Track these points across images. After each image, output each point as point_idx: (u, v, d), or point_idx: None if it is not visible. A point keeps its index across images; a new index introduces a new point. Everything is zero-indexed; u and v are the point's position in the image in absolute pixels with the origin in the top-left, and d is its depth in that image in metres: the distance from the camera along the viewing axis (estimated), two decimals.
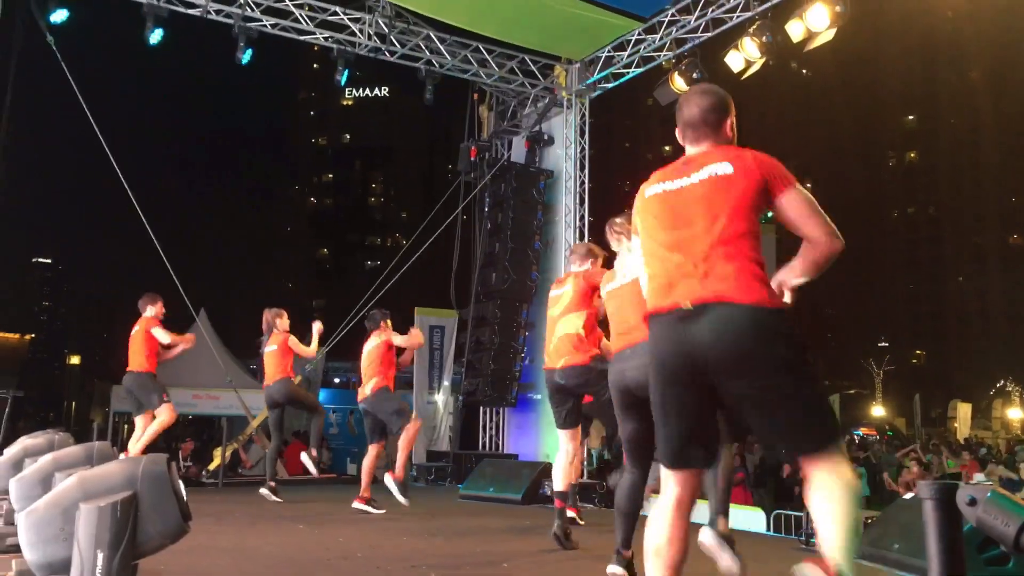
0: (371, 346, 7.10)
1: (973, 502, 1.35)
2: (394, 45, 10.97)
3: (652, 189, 2.71)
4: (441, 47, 11.26)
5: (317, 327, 7.80)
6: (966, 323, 61.42)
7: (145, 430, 7.16)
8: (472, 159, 12.37)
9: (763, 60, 9.79)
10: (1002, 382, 48.77)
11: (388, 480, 6.78)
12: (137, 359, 7.26)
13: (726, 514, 3.60)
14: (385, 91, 68.34)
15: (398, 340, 7.06)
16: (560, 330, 5.10)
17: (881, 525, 5.27)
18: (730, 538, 3.51)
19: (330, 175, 72.51)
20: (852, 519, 2.25)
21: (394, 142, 66.99)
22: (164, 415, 7.16)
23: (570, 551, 5.07)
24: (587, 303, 5.03)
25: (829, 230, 2.46)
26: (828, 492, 2.28)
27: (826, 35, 9.27)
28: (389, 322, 7.28)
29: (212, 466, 10.89)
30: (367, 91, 69.73)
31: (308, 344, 7.78)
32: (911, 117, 68.36)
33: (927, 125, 66.88)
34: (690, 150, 2.73)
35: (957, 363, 56.51)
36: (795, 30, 9.33)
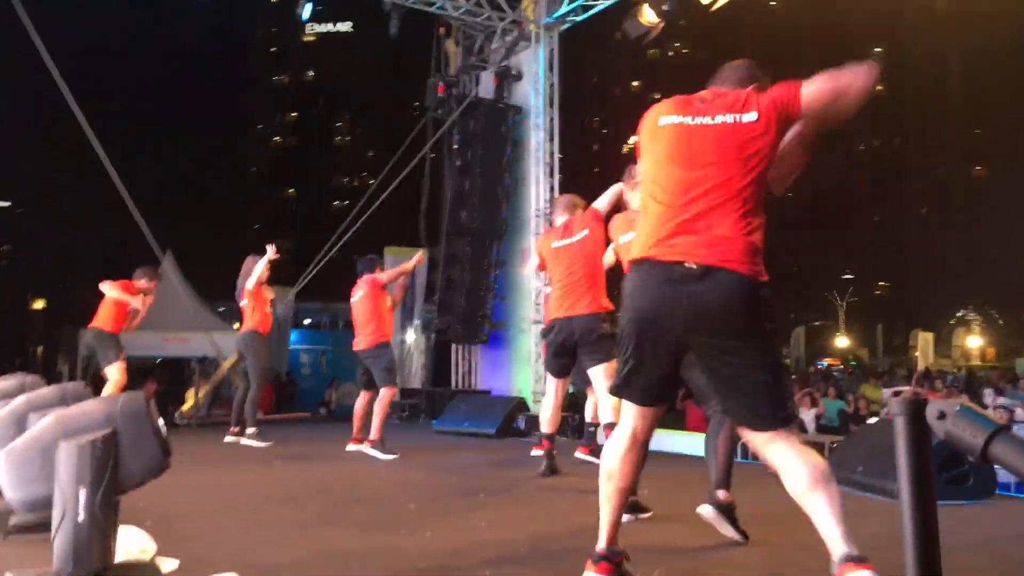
0: (362, 294, 7.03)
1: (942, 416, 1.40)
2: None
3: (668, 119, 2.65)
4: None
5: (270, 250, 7.70)
6: (928, 254, 62.39)
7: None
8: (439, 95, 12.19)
9: None
10: (962, 311, 49.95)
11: (367, 448, 6.79)
12: (104, 315, 7.29)
13: (727, 485, 3.57)
14: (348, 26, 66.72)
15: (382, 276, 7.06)
16: (571, 280, 5.06)
17: (846, 448, 5.43)
18: (731, 508, 3.53)
19: (294, 113, 71.09)
20: (841, 502, 2.35)
21: (358, 79, 65.71)
22: (116, 375, 7.24)
23: (546, 479, 5.21)
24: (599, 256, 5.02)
25: (861, 74, 2.45)
26: (811, 480, 2.36)
27: None
28: (380, 267, 7.27)
29: (185, 408, 10.89)
30: (329, 26, 68.02)
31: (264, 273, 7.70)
32: (877, 49, 68.28)
33: (893, 57, 66.88)
34: (716, 88, 2.72)
35: (919, 294, 57.59)
36: None
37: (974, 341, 46.25)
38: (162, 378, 13.54)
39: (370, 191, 12.29)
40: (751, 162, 2.49)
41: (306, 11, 10.55)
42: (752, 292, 2.41)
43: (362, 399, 7.16)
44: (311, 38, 69.25)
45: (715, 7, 9.96)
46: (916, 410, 1.42)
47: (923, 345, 38.83)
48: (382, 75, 62.68)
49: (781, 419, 2.44)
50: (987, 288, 51.43)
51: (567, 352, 5.10)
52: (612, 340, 4.94)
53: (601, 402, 5.00)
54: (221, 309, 15.32)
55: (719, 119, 2.54)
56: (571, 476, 5.35)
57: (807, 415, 12.90)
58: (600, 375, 4.93)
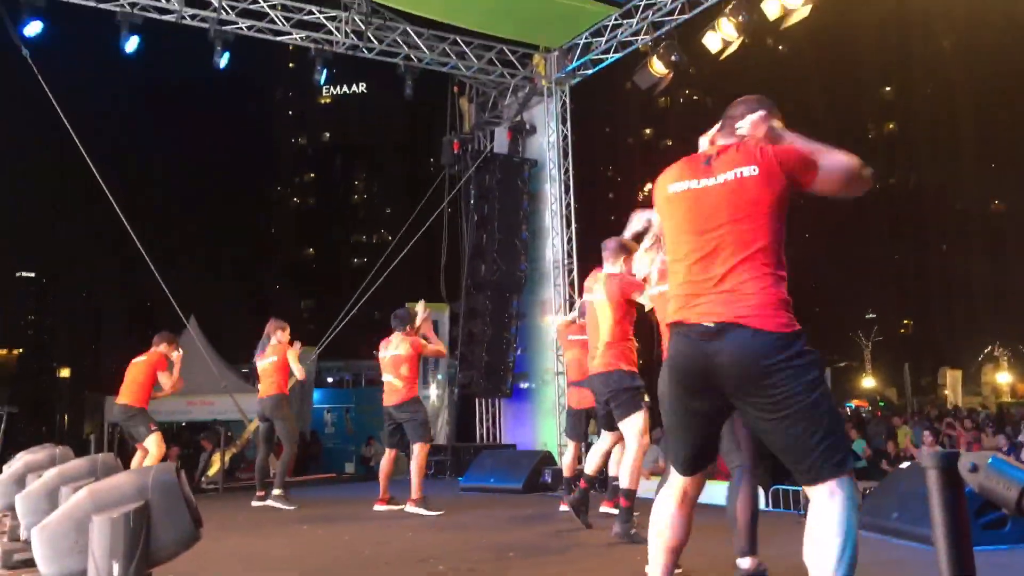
0: (398, 352, 6.95)
1: (975, 469, 1.39)
2: (371, 42, 10.94)
3: (676, 186, 2.69)
4: (419, 41, 11.24)
5: (296, 347, 7.73)
6: (952, 290, 61.80)
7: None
8: (455, 152, 12.37)
9: (740, 40, 9.83)
10: (990, 347, 49.18)
11: (410, 508, 6.73)
12: (130, 390, 7.37)
13: (753, 551, 3.47)
14: (363, 87, 68.05)
15: (428, 350, 7.06)
16: (596, 337, 5.13)
17: (880, 495, 5.34)
18: (762, 575, 3.47)
19: (312, 174, 72.17)
20: (851, 550, 2.30)
21: (374, 138, 66.75)
22: (153, 448, 7.27)
23: (576, 533, 5.16)
24: (620, 310, 5.02)
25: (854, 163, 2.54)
26: (831, 525, 2.33)
27: (801, 12, 9.31)
28: (412, 323, 7.24)
29: (212, 472, 10.89)
30: (345, 88, 69.40)
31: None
32: (888, 88, 68.72)
33: (904, 96, 67.23)
34: (720, 141, 2.75)
35: (945, 331, 56.98)
36: (771, 8, 9.37)
37: (1003, 377, 45.50)
38: (187, 442, 13.58)
39: (390, 248, 12.41)
40: (759, 217, 2.51)
41: (322, 76, 10.78)
42: (771, 345, 2.39)
43: (387, 458, 7.14)
44: (327, 100, 70.63)
45: (723, 56, 10.10)
46: (949, 463, 1.42)
47: (952, 383, 38.27)
48: (397, 134, 63.70)
49: (825, 471, 2.37)
50: (1014, 323, 50.71)
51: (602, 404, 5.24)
52: (633, 393, 4.98)
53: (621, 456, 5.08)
54: (244, 371, 15.41)
55: (723, 178, 2.57)
56: (600, 530, 5.28)
57: None
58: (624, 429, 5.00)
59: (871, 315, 58.90)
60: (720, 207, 2.56)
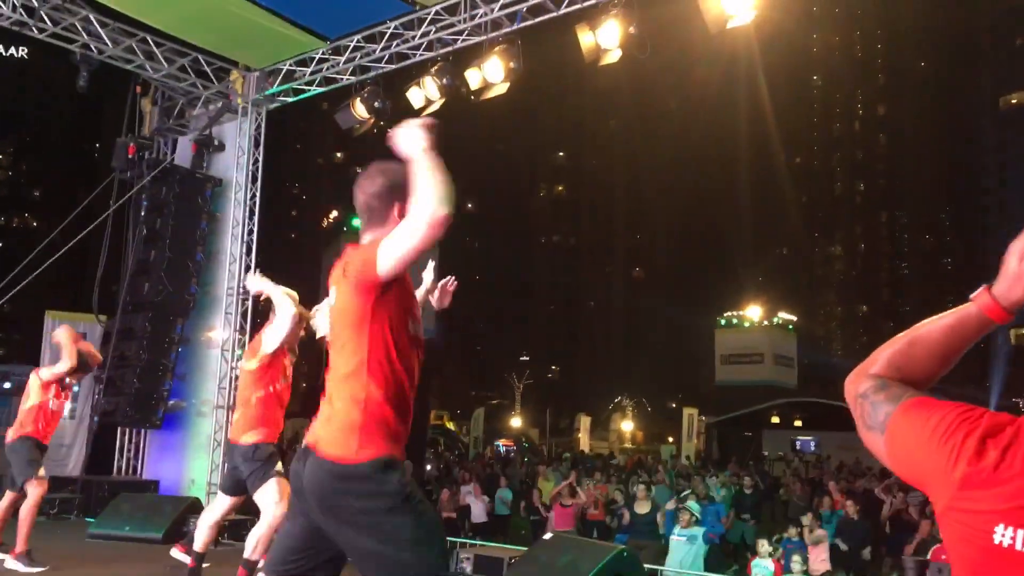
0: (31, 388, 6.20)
1: None
2: (44, 22, 9.67)
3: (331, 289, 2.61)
4: (102, 32, 10.13)
5: None
6: (593, 343, 68.76)
7: None
8: (129, 156, 11.29)
9: (442, 101, 10.19)
10: (619, 397, 55.34)
11: (11, 561, 5.90)
12: None
13: None
14: (24, 52, 59.96)
15: (59, 369, 6.16)
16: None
17: (523, 565, 5.70)
18: None
19: None
20: None
21: (30, 109, 58.86)
22: None
23: None
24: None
25: (429, 218, 2.27)
26: None
27: (500, 87, 9.87)
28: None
29: None
30: (0, 48, 60.66)
31: None
32: (561, 154, 75.36)
33: (573, 162, 74.20)
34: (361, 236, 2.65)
35: (584, 379, 62.99)
36: (473, 78, 9.82)
37: (627, 425, 51.40)
38: None
39: (40, 246, 11.00)
40: (344, 336, 2.46)
41: None
42: (332, 475, 2.38)
43: (6, 500, 6.20)
44: None
45: (425, 113, 10.40)
46: None
47: (585, 427, 42.40)
48: (61, 110, 56.78)
49: None
50: (640, 379, 57.62)
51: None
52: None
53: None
54: None
55: (332, 300, 2.56)
56: None
57: (479, 505, 13.40)
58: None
59: (525, 358, 63.44)
60: (335, 322, 2.55)
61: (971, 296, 1.19)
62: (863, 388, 1.20)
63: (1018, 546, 0.89)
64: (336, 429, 2.41)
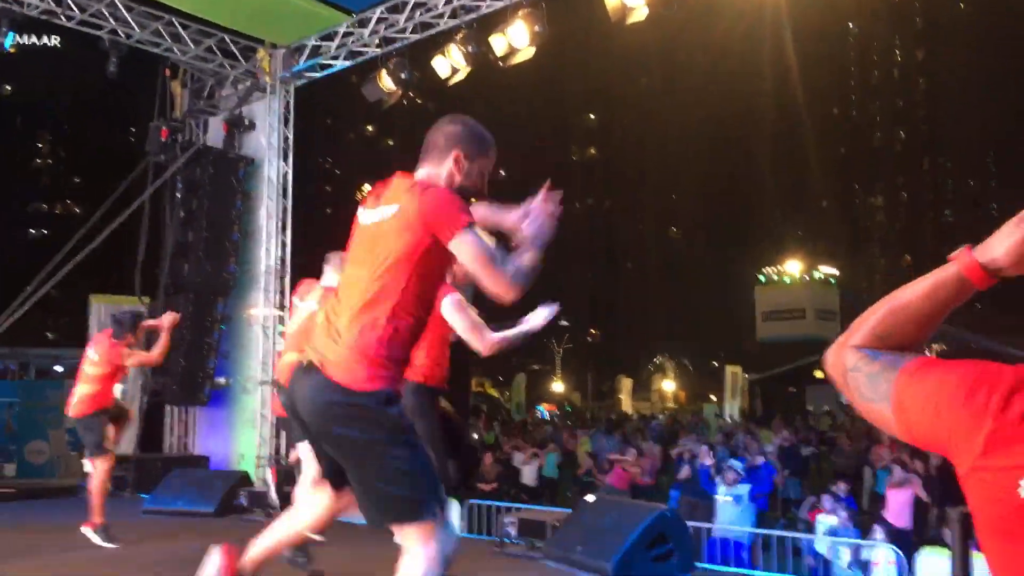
0: (95, 357, 6.23)
1: None
2: (72, 9, 9.76)
3: (362, 215, 2.63)
4: (128, 16, 10.21)
5: None
6: (631, 305, 68.40)
7: None
8: (163, 140, 11.42)
9: (468, 69, 10.12)
10: (659, 358, 55.18)
11: (89, 532, 6.10)
12: None
13: None
14: (56, 41, 60.66)
15: (132, 361, 6.31)
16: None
17: (568, 527, 5.75)
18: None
19: None
20: None
21: (66, 98, 59.63)
22: None
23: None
24: None
25: (502, 283, 2.41)
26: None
27: (526, 52, 9.78)
28: (138, 335, 6.43)
29: None
30: (35, 39, 61.38)
31: None
32: (591, 116, 74.54)
33: (604, 124, 73.42)
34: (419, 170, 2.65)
35: (624, 341, 62.82)
36: (498, 44, 9.74)
37: (669, 385, 51.34)
38: None
39: (81, 232, 11.24)
40: (380, 260, 2.45)
41: (8, 39, 9.43)
42: (337, 399, 2.40)
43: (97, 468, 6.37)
44: (12, 50, 61.89)
45: (452, 82, 10.34)
46: None
47: (626, 389, 42.46)
48: (96, 99, 57.46)
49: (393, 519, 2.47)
50: (680, 338, 57.32)
51: None
52: None
53: None
54: None
55: (372, 217, 2.54)
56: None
57: (529, 468, 13.56)
58: None
59: (564, 323, 63.43)
60: (364, 245, 2.54)
61: (950, 256, 1.13)
62: (852, 361, 1.15)
63: None
64: (346, 354, 2.41)
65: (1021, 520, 0.89)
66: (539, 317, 3.50)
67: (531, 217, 2.55)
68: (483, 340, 3.60)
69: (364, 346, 2.40)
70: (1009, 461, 0.91)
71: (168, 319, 6.40)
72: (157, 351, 6.30)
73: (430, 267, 2.45)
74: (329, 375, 2.39)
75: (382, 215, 2.48)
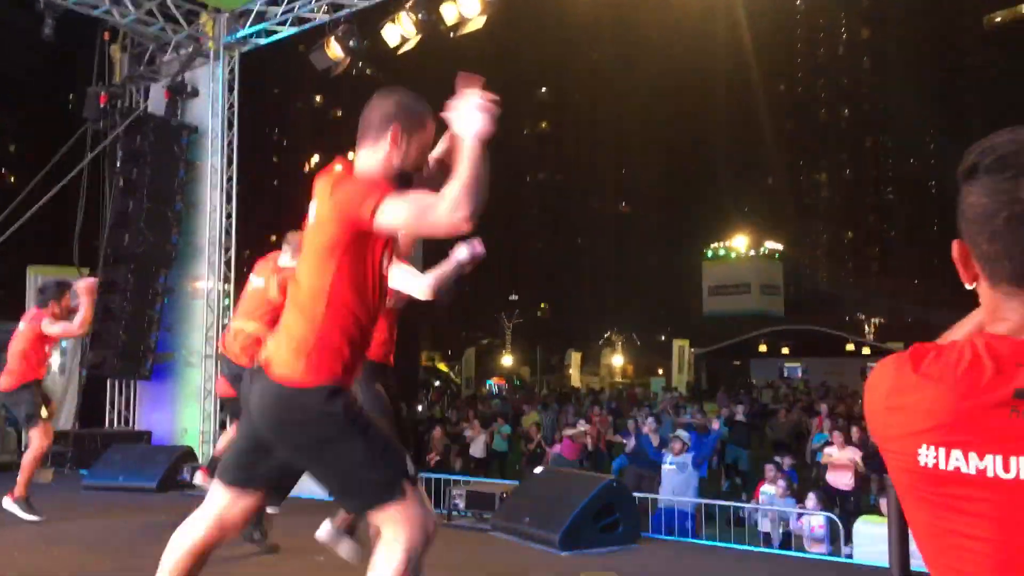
0: (24, 329, 6.03)
1: None
2: None
3: (310, 208, 2.54)
4: None
5: None
6: (581, 280, 68.86)
7: None
8: (101, 106, 11.04)
9: (419, 37, 9.97)
10: (609, 332, 55.71)
11: (8, 503, 5.92)
12: None
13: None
14: None
15: (53, 330, 6.03)
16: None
17: (516, 498, 5.77)
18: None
19: None
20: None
21: None
22: None
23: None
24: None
25: (444, 219, 2.19)
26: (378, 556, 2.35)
27: (477, 22, 9.66)
28: (64, 303, 6.13)
29: None
30: None
31: None
32: (544, 89, 74.43)
33: (556, 98, 73.34)
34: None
35: (574, 316, 63.29)
36: (448, 13, 9.60)
37: (617, 360, 51.86)
38: None
39: (16, 201, 10.84)
40: (312, 255, 2.42)
41: None
42: (280, 397, 2.37)
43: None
44: None
45: (401, 51, 10.18)
46: None
47: (575, 363, 42.75)
48: (28, 60, 55.43)
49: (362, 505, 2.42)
50: (629, 313, 57.90)
51: None
52: None
53: None
54: None
55: (311, 211, 2.47)
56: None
57: (478, 441, 13.61)
58: None
59: (514, 297, 63.61)
60: (305, 240, 2.51)
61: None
62: None
63: (941, 465, 0.88)
64: (287, 349, 2.38)
65: (926, 486, 0.91)
66: (463, 250, 3.43)
67: (455, 114, 2.27)
68: (419, 285, 3.55)
69: (303, 338, 2.37)
70: (905, 429, 0.92)
71: (83, 284, 5.95)
72: (78, 320, 5.95)
73: (361, 254, 2.38)
74: (272, 375, 2.37)
75: (312, 211, 2.46)
